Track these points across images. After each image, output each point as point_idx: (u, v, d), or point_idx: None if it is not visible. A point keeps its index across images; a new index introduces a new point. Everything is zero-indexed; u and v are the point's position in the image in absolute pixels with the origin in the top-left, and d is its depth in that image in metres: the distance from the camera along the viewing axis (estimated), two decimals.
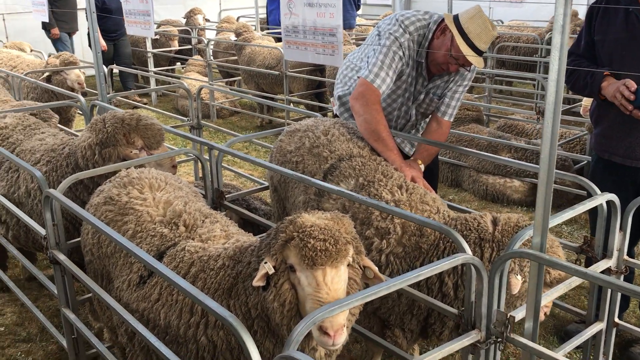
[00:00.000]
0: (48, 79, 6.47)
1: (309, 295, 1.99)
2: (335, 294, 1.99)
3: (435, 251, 2.80)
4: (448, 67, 3.51)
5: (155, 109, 7.28)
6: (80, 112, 4.94)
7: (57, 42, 10.78)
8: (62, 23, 10.36)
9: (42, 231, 3.19)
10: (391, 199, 2.95)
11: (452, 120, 3.80)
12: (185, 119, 5.63)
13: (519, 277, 2.56)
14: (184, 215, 2.68)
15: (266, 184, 4.13)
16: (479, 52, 3.40)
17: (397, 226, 2.87)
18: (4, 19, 11.72)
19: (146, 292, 2.49)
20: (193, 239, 2.57)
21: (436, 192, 4.02)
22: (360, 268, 2.17)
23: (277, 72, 8.43)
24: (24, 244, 3.94)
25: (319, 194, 3.15)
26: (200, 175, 5.71)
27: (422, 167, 3.62)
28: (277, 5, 11.10)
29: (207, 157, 3.58)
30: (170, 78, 10.20)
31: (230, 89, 10.65)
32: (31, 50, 8.38)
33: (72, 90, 6.40)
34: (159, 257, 2.54)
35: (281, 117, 9.36)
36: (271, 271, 2.05)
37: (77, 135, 5.13)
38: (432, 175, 3.97)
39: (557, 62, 1.93)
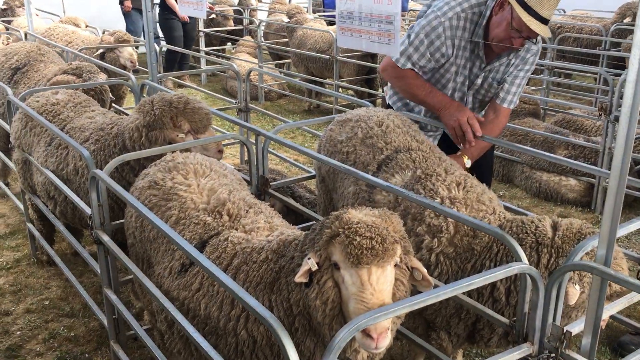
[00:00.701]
0: (102, 56, 6.52)
1: (353, 295, 1.90)
2: (381, 295, 1.89)
3: (488, 254, 2.67)
4: (511, 42, 3.28)
5: (203, 89, 7.27)
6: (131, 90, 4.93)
7: (126, 17, 10.92)
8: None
9: (88, 210, 3.19)
10: (447, 195, 2.83)
11: (511, 107, 3.59)
12: (234, 101, 5.58)
13: (577, 287, 2.40)
14: (228, 204, 2.62)
15: (312, 171, 4.05)
16: (543, 21, 3.16)
17: (450, 225, 2.74)
18: None
19: (187, 281, 2.44)
20: (236, 229, 2.51)
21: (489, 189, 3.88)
22: (408, 269, 2.07)
23: (327, 56, 8.32)
24: (70, 221, 3.98)
25: (371, 185, 3.04)
26: (246, 159, 5.69)
27: (469, 162, 3.47)
28: None
29: (253, 141, 3.51)
30: (220, 59, 10.20)
31: (280, 72, 10.60)
32: (86, 26, 8.48)
33: (124, 68, 6.44)
34: (202, 246, 2.49)
35: (329, 102, 9.25)
36: (314, 268, 1.97)
37: (127, 114, 5.17)
38: (486, 171, 3.80)
39: (638, 61, 1.76)
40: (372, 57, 8.43)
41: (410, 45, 3.36)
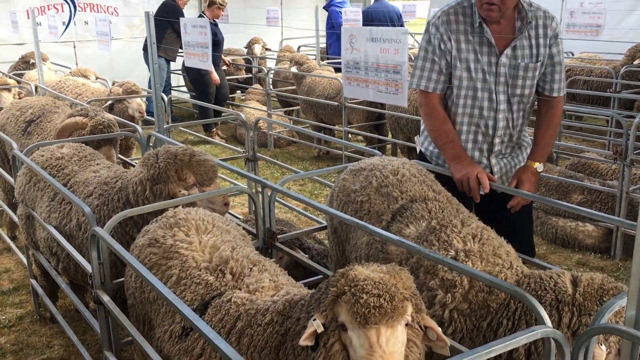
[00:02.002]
0: (110, 108, 6.53)
1: (362, 358, 1.78)
2: (391, 357, 1.77)
3: (505, 312, 2.51)
4: (488, 13, 3.11)
5: (212, 139, 7.24)
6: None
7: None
8: (163, 49, 10.59)
9: (89, 268, 3.09)
10: (462, 247, 2.70)
11: (562, 94, 3.38)
12: (241, 150, 5.53)
13: (603, 347, 2.24)
14: (231, 262, 2.51)
15: (323, 222, 3.94)
16: None
17: (465, 280, 2.60)
18: (74, 46, 12.11)
19: (188, 346, 2.32)
20: (240, 289, 2.39)
21: (532, 246, 3.66)
22: (421, 328, 1.94)
23: (336, 103, 8.30)
24: (73, 277, 3.88)
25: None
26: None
27: (541, 167, 3.34)
28: (335, 39, 11.09)
29: (260, 190, 3.42)
30: (229, 107, 10.24)
31: (289, 119, 10.61)
32: (97, 78, 8.56)
33: (133, 119, 6.44)
34: (204, 307, 2.37)
35: (339, 148, 9.20)
36: (320, 329, 1.86)
37: (133, 165, 5.12)
38: (525, 226, 3.59)
39: None
40: (381, 103, 8.41)
41: (420, 64, 3.20)
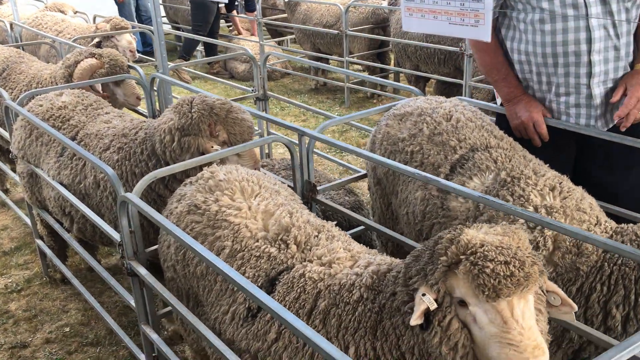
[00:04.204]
0: (98, 46, 5.98)
1: (494, 337, 1.53)
2: (531, 333, 1.53)
3: (598, 275, 2.25)
4: None
5: (218, 79, 6.72)
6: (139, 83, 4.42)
7: (122, 7, 10.26)
8: None
9: (116, 236, 2.76)
10: (541, 203, 2.39)
11: None
12: (249, 89, 5.10)
13: None
14: (293, 231, 2.18)
15: (361, 170, 3.62)
16: None
17: (549, 240, 2.32)
18: None
19: (259, 329, 2.02)
20: (311, 262, 2.08)
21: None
22: (544, 293, 1.69)
23: (336, 31, 7.79)
24: (90, 238, 3.54)
25: (444, 190, 2.62)
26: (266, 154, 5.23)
27: None
28: None
29: (295, 141, 3.06)
30: (221, 41, 9.63)
31: (282, 50, 10.08)
32: (75, 13, 7.87)
33: None
34: (270, 284, 2.07)
35: (337, 79, 8.78)
36: (433, 306, 1.59)
37: (143, 114, 4.67)
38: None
39: None
40: (383, 29, 7.93)
41: None
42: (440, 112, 2.85)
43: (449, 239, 1.65)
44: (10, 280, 4.28)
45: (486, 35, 2.18)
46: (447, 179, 2.65)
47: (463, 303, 1.59)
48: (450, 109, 2.87)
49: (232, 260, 2.19)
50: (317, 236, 2.20)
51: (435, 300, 1.60)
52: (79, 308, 3.96)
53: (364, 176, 3.36)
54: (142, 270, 2.57)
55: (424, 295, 1.60)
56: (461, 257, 1.58)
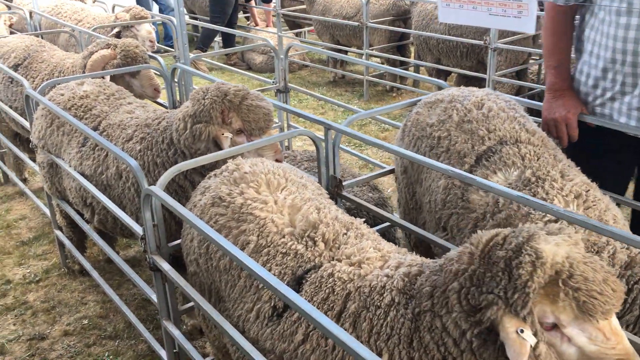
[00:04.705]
0: (117, 36, 5.94)
1: (595, 354, 1.50)
2: (627, 342, 1.52)
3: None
4: None
5: (236, 69, 6.66)
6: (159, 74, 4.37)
7: None
8: None
9: (139, 229, 2.71)
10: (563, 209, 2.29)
11: None
12: (270, 80, 5.03)
13: None
14: (321, 227, 2.11)
15: (386, 166, 3.55)
16: None
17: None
18: None
19: (285, 329, 1.96)
20: (340, 261, 2.01)
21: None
22: None
23: (356, 23, 7.70)
24: (111, 230, 3.50)
25: (466, 182, 2.53)
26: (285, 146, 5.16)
27: None
28: None
29: (321, 136, 2.99)
30: (240, 31, 9.57)
31: (300, 41, 9.99)
32: (94, 2, 7.84)
33: None
34: (297, 283, 2.00)
35: (357, 72, 8.69)
36: (534, 342, 1.46)
37: (163, 105, 4.62)
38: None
39: None
40: (404, 22, 7.82)
41: None
42: (472, 100, 2.77)
43: (527, 255, 1.49)
44: (28, 271, 4.26)
45: (530, 27, 2.09)
46: (471, 170, 2.57)
47: (555, 326, 1.51)
48: (482, 97, 2.79)
49: (257, 256, 2.12)
50: (345, 234, 2.13)
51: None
52: (97, 300, 3.94)
53: (390, 172, 3.29)
54: (165, 265, 2.52)
55: (522, 331, 1.47)
56: (557, 280, 1.48)
